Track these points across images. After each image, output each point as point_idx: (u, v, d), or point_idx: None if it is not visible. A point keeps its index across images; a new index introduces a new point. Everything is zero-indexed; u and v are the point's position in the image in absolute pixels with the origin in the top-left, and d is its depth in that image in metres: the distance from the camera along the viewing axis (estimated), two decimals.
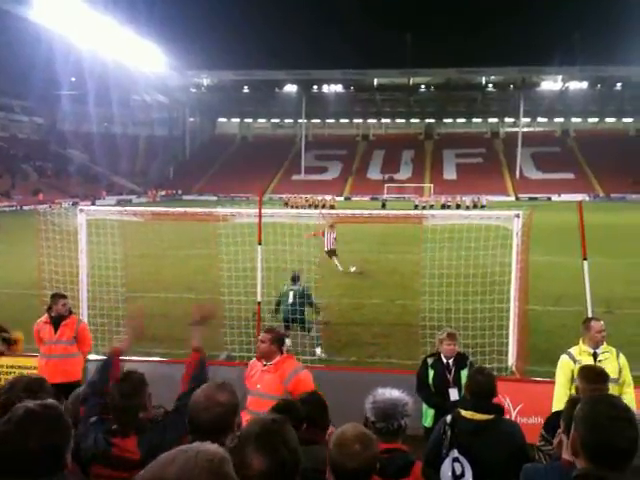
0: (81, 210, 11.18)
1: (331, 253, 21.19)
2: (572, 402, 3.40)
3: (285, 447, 2.29)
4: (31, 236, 12.56)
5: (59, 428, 2.44)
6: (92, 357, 8.95)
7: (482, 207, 60.69)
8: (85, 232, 10.94)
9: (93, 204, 68.97)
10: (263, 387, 5.51)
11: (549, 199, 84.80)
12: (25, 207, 62.90)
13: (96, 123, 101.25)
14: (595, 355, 6.35)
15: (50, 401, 2.61)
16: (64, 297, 8.11)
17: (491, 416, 4.30)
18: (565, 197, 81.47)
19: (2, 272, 18.20)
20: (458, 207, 63.32)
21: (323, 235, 20.71)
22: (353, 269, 21.19)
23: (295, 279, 11.98)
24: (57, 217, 11.60)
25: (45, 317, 7.99)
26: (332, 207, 53.18)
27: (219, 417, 2.82)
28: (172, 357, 10.60)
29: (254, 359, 5.91)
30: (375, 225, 20.35)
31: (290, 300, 11.56)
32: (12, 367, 9.36)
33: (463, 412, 4.36)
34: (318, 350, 11.31)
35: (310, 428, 3.93)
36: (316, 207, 57.74)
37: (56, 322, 7.84)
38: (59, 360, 7.75)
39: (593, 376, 4.66)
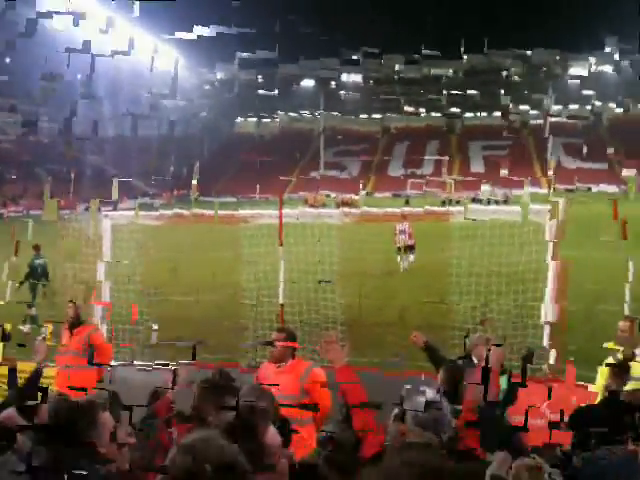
0: (106, 215, 11.19)
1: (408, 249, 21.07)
2: None
3: None
4: (52, 241, 12.53)
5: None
6: (114, 363, 8.85)
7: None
8: (109, 237, 10.92)
9: (115, 209, 69.34)
10: (279, 388, 5.43)
11: (589, 189, 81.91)
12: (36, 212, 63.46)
13: (110, 125, 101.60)
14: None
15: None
16: (71, 301, 7.83)
17: None
18: (601, 187, 79.30)
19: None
20: (488, 202, 62.30)
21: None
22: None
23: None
24: (78, 222, 11.60)
25: (67, 323, 7.83)
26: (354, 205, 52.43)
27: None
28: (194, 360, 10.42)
29: (265, 362, 5.99)
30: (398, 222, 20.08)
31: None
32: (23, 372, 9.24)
33: None
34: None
35: None
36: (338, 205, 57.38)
37: (70, 329, 7.61)
38: (71, 372, 7.50)
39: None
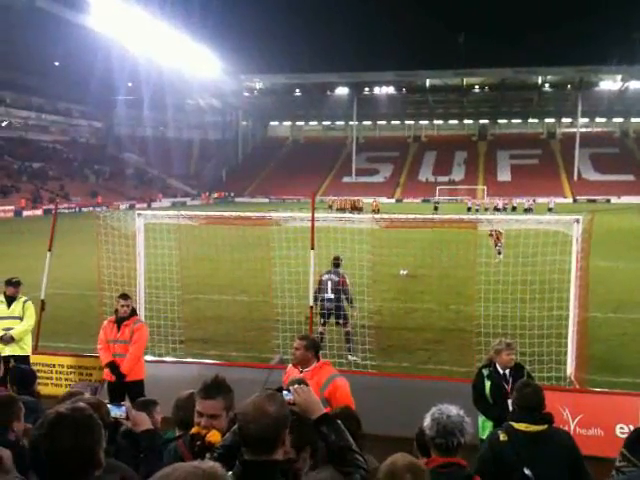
0: (139, 214, 11.43)
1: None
2: None
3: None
4: (89, 238, 12.88)
5: (89, 429, 2.51)
6: (148, 358, 9.13)
7: (550, 210, 58.30)
8: (143, 236, 11.20)
9: (149, 206, 70.63)
10: None
11: (608, 201, 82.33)
12: (84, 209, 64.82)
13: (151, 127, 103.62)
14: None
15: (81, 404, 2.70)
16: (125, 298, 8.19)
17: (544, 426, 4.26)
18: (625, 199, 79.02)
19: (61, 273, 18.73)
20: (514, 210, 61.84)
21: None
22: (404, 272, 21.04)
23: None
24: (116, 220, 11.87)
25: (113, 317, 8.20)
26: (377, 210, 51.88)
27: (268, 428, 2.70)
28: (226, 359, 10.74)
29: (291, 365, 5.89)
30: (427, 228, 20.13)
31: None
32: (72, 367, 9.65)
33: (516, 425, 4.30)
34: (350, 357, 10.98)
35: None
36: (353, 209, 57.39)
37: (119, 322, 8.02)
38: (119, 360, 7.91)
39: None
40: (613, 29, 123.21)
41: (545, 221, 10.69)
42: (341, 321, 11.40)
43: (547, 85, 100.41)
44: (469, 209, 62.78)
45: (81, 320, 14.16)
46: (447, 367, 10.67)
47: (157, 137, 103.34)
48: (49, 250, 10.53)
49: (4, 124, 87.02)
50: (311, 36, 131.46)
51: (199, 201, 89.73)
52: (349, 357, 10.88)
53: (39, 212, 61.75)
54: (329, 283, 11.45)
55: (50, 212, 50.56)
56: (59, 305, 14.41)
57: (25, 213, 61.04)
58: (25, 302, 8.85)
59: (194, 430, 3.44)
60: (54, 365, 9.65)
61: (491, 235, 22.79)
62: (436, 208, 61.73)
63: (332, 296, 11.34)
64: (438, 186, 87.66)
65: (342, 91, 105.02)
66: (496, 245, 22.65)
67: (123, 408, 3.55)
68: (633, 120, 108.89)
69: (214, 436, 3.33)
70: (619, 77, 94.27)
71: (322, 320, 11.45)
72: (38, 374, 9.04)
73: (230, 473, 2.68)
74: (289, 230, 11.73)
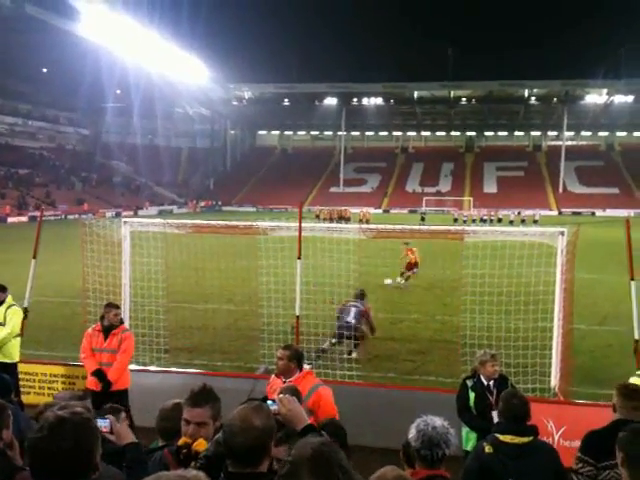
0: (125, 222, 11.37)
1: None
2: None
3: (339, 470, 2.23)
4: (75, 245, 12.79)
5: (89, 432, 2.56)
6: (133, 367, 9.06)
7: (535, 222, 58.14)
8: (129, 243, 11.14)
9: (136, 214, 70.32)
10: None
11: (593, 214, 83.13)
12: (69, 216, 64.37)
13: (140, 135, 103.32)
14: None
15: (78, 408, 2.72)
16: (117, 307, 8.20)
17: (530, 438, 4.27)
18: (610, 212, 79.76)
19: (47, 280, 18.60)
20: (499, 221, 62.12)
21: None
22: (389, 282, 21.07)
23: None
24: (101, 228, 11.79)
25: (98, 325, 8.11)
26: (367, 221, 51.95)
27: (254, 441, 2.69)
28: (211, 369, 10.69)
29: (274, 376, 5.85)
30: (413, 239, 20.18)
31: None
32: (56, 376, 9.55)
33: (501, 437, 4.30)
34: (353, 354, 11.59)
35: None
36: (340, 219, 57.56)
37: (107, 331, 7.95)
38: (106, 369, 7.85)
39: (629, 393, 4.53)
40: (599, 44, 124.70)
41: (530, 233, 10.78)
42: (352, 343, 11.65)
43: (533, 98, 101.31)
44: (455, 220, 63.03)
45: (65, 328, 14.04)
46: (433, 378, 10.68)
47: (145, 145, 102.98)
48: (34, 257, 10.43)
49: None
50: (300, 46, 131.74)
51: (186, 209, 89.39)
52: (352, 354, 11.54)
53: (24, 219, 61.24)
54: (352, 309, 11.80)
55: (35, 219, 50.15)
56: (43, 313, 14.28)
57: (10, 219, 60.52)
58: (9, 308, 8.62)
59: (181, 442, 3.43)
60: (37, 374, 9.53)
61: (408, 253, 22.16)
62: (423, 219, 61.89)
63: (353, 320, 11.61)
64: (425, 197, 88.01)
65: (331, 101, 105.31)
66: (409, 269, 22.01)
67: (107, 421, 3.52)
68: (618, 134, 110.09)
69: (200, 445, 3.32)
70: (605, 91, 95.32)
71: (335, 340, 11.56)
72: (20, 382, 8.97)
73: None
74: (276, 240, 11.73)
